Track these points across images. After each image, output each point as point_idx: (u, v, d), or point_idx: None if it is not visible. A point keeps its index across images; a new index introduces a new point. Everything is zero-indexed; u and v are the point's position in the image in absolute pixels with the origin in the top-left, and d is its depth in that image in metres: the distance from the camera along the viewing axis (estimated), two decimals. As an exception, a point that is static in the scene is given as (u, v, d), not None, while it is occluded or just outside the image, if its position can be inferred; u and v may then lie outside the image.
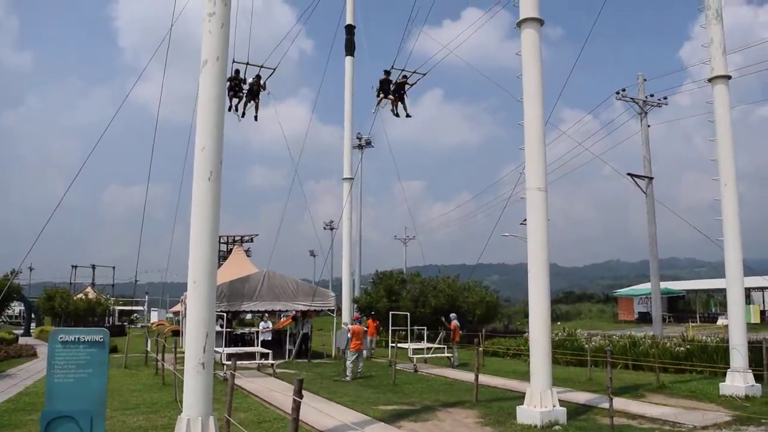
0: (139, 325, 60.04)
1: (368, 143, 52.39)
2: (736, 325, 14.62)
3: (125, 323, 57.04)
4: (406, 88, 18.91)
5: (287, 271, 24.81)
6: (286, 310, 26.79)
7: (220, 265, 37.29)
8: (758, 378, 13.90)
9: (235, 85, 19.11)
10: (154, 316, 64.69)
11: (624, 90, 30.22)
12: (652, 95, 30.37)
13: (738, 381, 13.90)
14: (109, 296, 57.81)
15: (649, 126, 30.21)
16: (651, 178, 28.97)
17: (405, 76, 18.78)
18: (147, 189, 14.80)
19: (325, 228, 68.33)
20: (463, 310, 32.77)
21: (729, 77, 15.17)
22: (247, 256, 43.02)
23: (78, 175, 12.67)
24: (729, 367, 14.40)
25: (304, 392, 13.74)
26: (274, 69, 19.42)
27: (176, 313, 47.81)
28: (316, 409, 11.63)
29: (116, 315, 58.88)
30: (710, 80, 15.29)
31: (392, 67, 18.68)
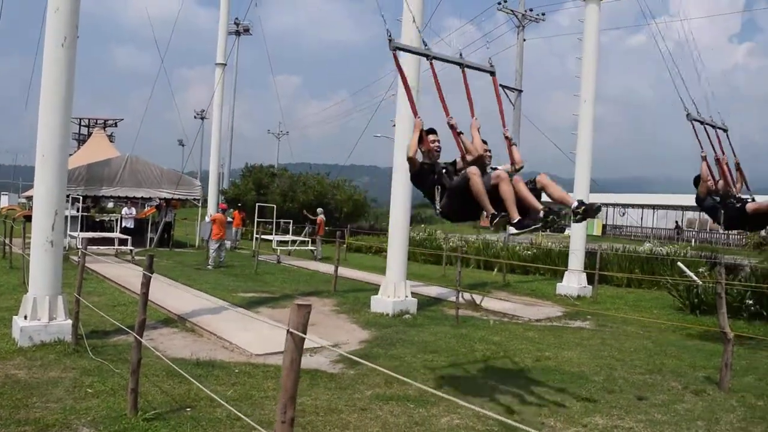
0: (-13, 210, 55.97)
1: (246, 30, 50.09)
2: (576, 232, 15.91)
3: (-28, 207, 52.98)
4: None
5: (155, 161, 23.77)
6: (149, 198, 25.94)
7: (78, 148, 35.28)
8: (590, 280, 15.34)
9: None
10: (5, 201, 60.35)
11: (506, 1, 30.65)
12: (531, 10, 31.06)
13: (572, 282, 15.27)
14: (-49, 175, 53.16)
15: (525, 40, 31.05)
16: (520, 91, 30.08)
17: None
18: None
19: (195, 117, 65.78)
20: (331, 207, 33.29)
21: (599, -1, 15.70)
22: (111, 141, 40.77)
23: None
24: (567, 269, 15.76)
25: (162, 279, 13.67)
26: None
27: (29, 198, 44.92)
28: (173, 295, 11.64)
29: (-42, 198, 54.50)
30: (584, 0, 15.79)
31: None
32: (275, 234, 24.47)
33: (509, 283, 17.05)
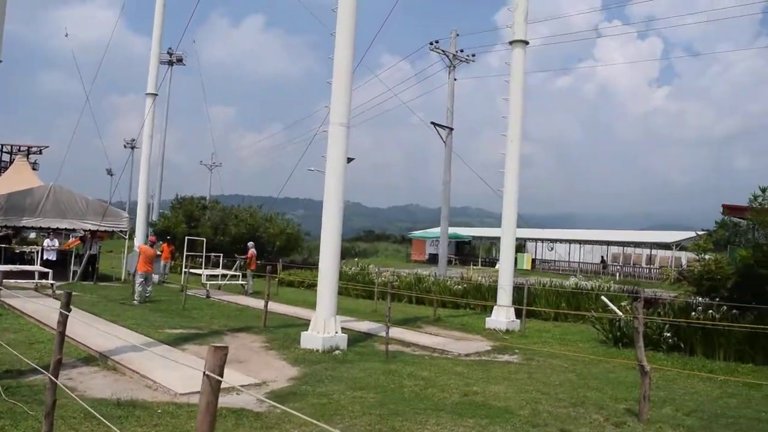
0: None
1: (179, 60, 49.65)
2: (505, 267, 16.25)
3: None
4: None
5: (83, 190, 23.10)
6: (74, 229, 25.08)
7: (-2, 176, 33.82)
8: (519, 314, 15.64)
9: None
10: None
11: (438, 42, 31.47)
12: (461, 51, 31.95)
13: (501, 316, 15.55)
14: None
15: (456, 80, 31.86)
16: (451, 129, 30.74)
17: None
18: None
19: (125, 146, 64.41)
20: (263, 241, 32.92)
21: (526, 42, 16.32)
22: (34, 169, 39.38)
23: None
24: (496, 304, 16.04)
25: (84, 314, 13.19)
26: None
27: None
28: (96, 331, 11.23)
29: None
30: (511, 43, 16.35)
31: None
32: (205, 268, 24.00)
33: (440, 317, 17.22)
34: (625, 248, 53.10)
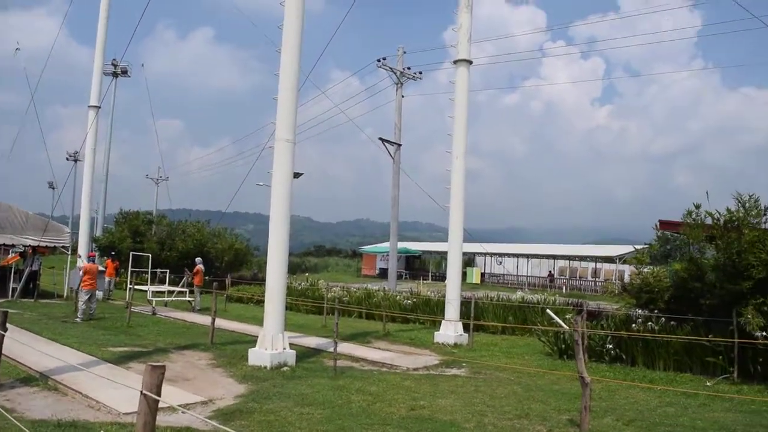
0: None
1: (124, 72, 48.72)
2: (452, 282, 16.45)
3: None
4: None
5: (23, 205, 22.45)
6: (12, 244, 24.30)
7: (-68, 190, 32.54)
8: (467, 328, 15.83)
9: None
10: None
11: (385, 59, 31.71)
12: (409, 68, 32.28)
13: (450, 330, 15.70)
14: None
15: (403, 96, 32.16)
16: (399, 145, 30.97)
17: None
18: None
19: (68, 159, 62.72)
20: (212, 256, 32.53)
21: (470, 62, 16.59)
22: (-31, 182, 38.04)
23: None
24: (444, 319, 16.20)
25: (24, 333, 12.81)
26: None
27: None
28: (36, 350, 10.92)
29: None
30: (455, 62, 16.60)
31: None
32: (151, 284, 23.54)
33: (389, 332, 17.27)
34: (571, 262, 54.29)
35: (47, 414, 7.22)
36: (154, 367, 2.78)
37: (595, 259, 51.60)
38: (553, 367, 12.39)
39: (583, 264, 54.03)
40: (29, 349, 10.81)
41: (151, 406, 2.71)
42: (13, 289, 22.17)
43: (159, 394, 2.70)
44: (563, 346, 13.51)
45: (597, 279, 50.11)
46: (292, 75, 11.81)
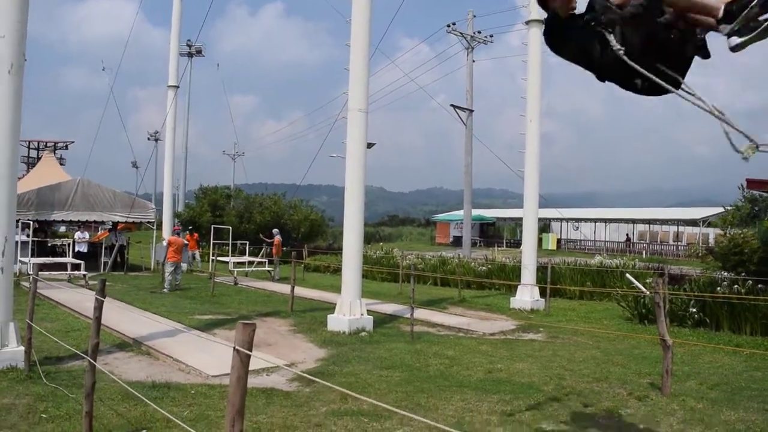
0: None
1: (198, 52, 49.94)
2: (528, 247, 16.31)
3: None
4: None
5: (109, 184, 23.58)
6: (102, 221, 25.58)
7: (27, 172, 34.59)
8: (543, 294, 15.70)
9: None
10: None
11: (455, 24, 31.30)
12: (479, 32, 31.75)
13: (526, 296, 15.62)
14: None
15: (474, 61, 31.72)
16: (471, 111, 30.65)
17: None
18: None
19: (149, 139, 65.08)
20: (288, 228, 33.25)
21: (542, 22, 16.18)
22: (61, 164, 40.06)
23: None
24: (521, 284, 16.11)
25: (117, 303, 13.55)
26: None
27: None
28: (129, 318, 11.59)
29: None
30: (527, 23, 16.28)
31: None
32: (232, 256, 24.36)
33: (465, 298, 17.32)
34: (651, 226, 52.67)
35: (142, 376, 7.68)
36: (246, 324, 2.94)
37: (677, 222, 49.85)
38: (633, 331, 12.18)
39: (664, 228, 52.32)
40: (123, 317, 11.49)
41: (243, 361, 2.88)
42: (104, 263, 23.39)
43: (250, 350, 2.87)
44: (643, 310, 13.23)
45: (679, 243, 48.46)
46: (363, 45, 11.86)
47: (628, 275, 15.89)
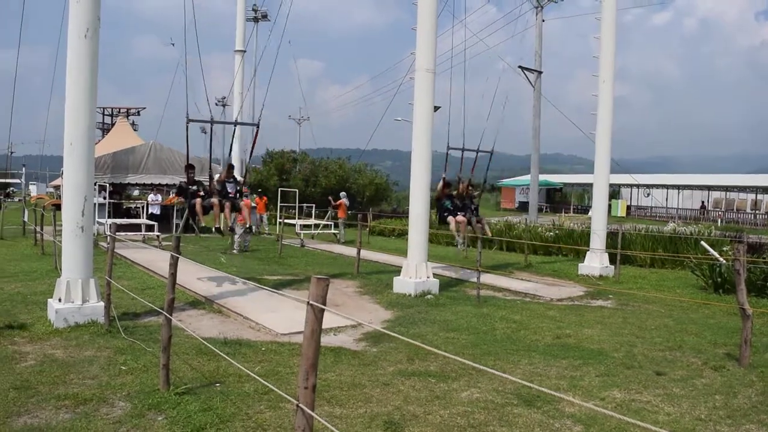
0: (16, 199, 56.80)
1: (264, 16, 50.16)
2: (598, 212, 15.91)
3: (0, 197, 53.76)
4: (476, 199, 14.46)
5: (179, 148, 24.11)
6: (174, 184, 26.28)
7: (103, 137, 35.85)
8: (613, 260, 15.33)
9: None
10: (33, 190, 61.19)
11: (524, -19, 30.38)
12: (549, -11, 30.73)
13: (595, 262, 15.28)
14: (-20, 168, 53.95)
15: (544, 21, 30.78)
16: (540, 72, 29.86)
17: (468, 180, 14.26)
18: (18, 48, 13.78)
19: (217, 104, 66.22)
20: (353, 191, 33.45)
21: (619, -24, 15.56)
22: (134, 129, 41.34)
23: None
24: (589, 249, 15.77)
25: (189, 262, 13.96)
26: None
27: (57, 188, 45.74)
28: (201, 279, 11.94)
29: (-10, 188, 55.18)
30: (602, -23, 15.64)
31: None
32: (298, 218, 24.72)
33: (531, 263, 17.10)
34: (727, 193, 50.57)
35: (215, 333, 7.91)
36: (320, 279, 2.96)
37: (756, 189, 47.67)
38: (708, 300, 11.75)
39: (741, 195, 50.13)
40: (195, 277, 11.84)
41: (317, 315, 2.90)
42: (176, 225, 24.10)
43: (324, 304, 2.88)
44: (719, 279, 12.74)
45: (757, 211, 46.40)
46: (431, 2, 11.64)
47: (702, 243, 15.33)
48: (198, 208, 11.15)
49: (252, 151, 13.17)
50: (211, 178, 11.97)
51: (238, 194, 11.69)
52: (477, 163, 13.97)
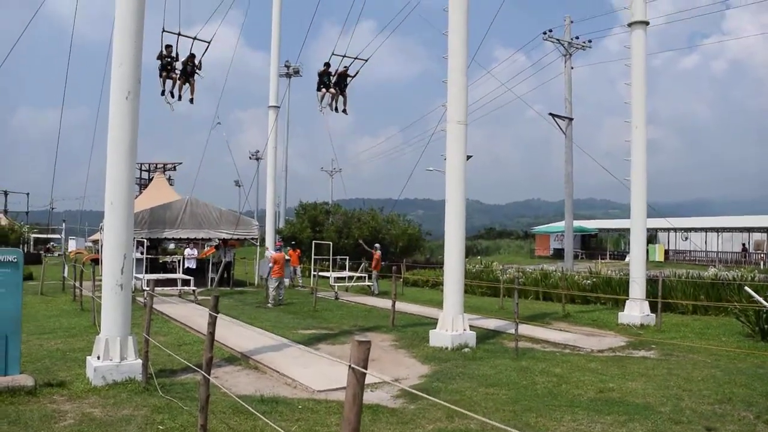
0: (56, 254, 57.98)
1: (296, 72, 51.46)
2: (636, 259, 15.61)
3: (41, 251, 54.89)
4: (348, 81, 17.77)
5: (212, 201, 24.54)
6: (209, 239, 26.63)
7: (140, 193, 36.64)
8: (654, 308, 14.97)
9: (167, 64, 16.02)
10: (72, 245, 62.51)
11: (551, 30, 30.65)
12: (577, 38, 30.93)
13: (635, 310, 14.93)
14: (24, 223, 55.39)
15: (573, 68, 30.92)
16: (571, 119, 29.85)
17: (346, 67, 17.55)
18: (62, 109, 14.25)
19: (251, 158, 67.48)
20: (386, 242, 33.43)
21: (647, 23, 15.60)
22: (170, 184, 42.21)
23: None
24: (629, 298, 15.43)
25: (224, 317, 14.00)
26: (209, 42, 16.06)
27: (95, 242, 46.70)
28: (236, 333, 11.94)
29: (31, 243, 56.25)
30: (630, 25, 15.69)
31: (333, 54, 17.29)
32: (332, 271, 24.74)
33: (569, 313, 16.78)
34: (769, 235, 49.34)
35: (251, 390, 7.86)
36: (361, 342, 2.93)
37: (799, 230, 46.43)
38: (755, 349, 11.37)
39: (785, 237, 48.84)
40: (231, 332, 11.85)
41: (359, 379, 2.86)
42: (211, 279, 24.32)
43: (366, 368, 2.84)
44: (766, 326, 12.34)
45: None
46: (461, 56, 11.80)
47: (747, 288, 14.86)
48: None
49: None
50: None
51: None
52: None
